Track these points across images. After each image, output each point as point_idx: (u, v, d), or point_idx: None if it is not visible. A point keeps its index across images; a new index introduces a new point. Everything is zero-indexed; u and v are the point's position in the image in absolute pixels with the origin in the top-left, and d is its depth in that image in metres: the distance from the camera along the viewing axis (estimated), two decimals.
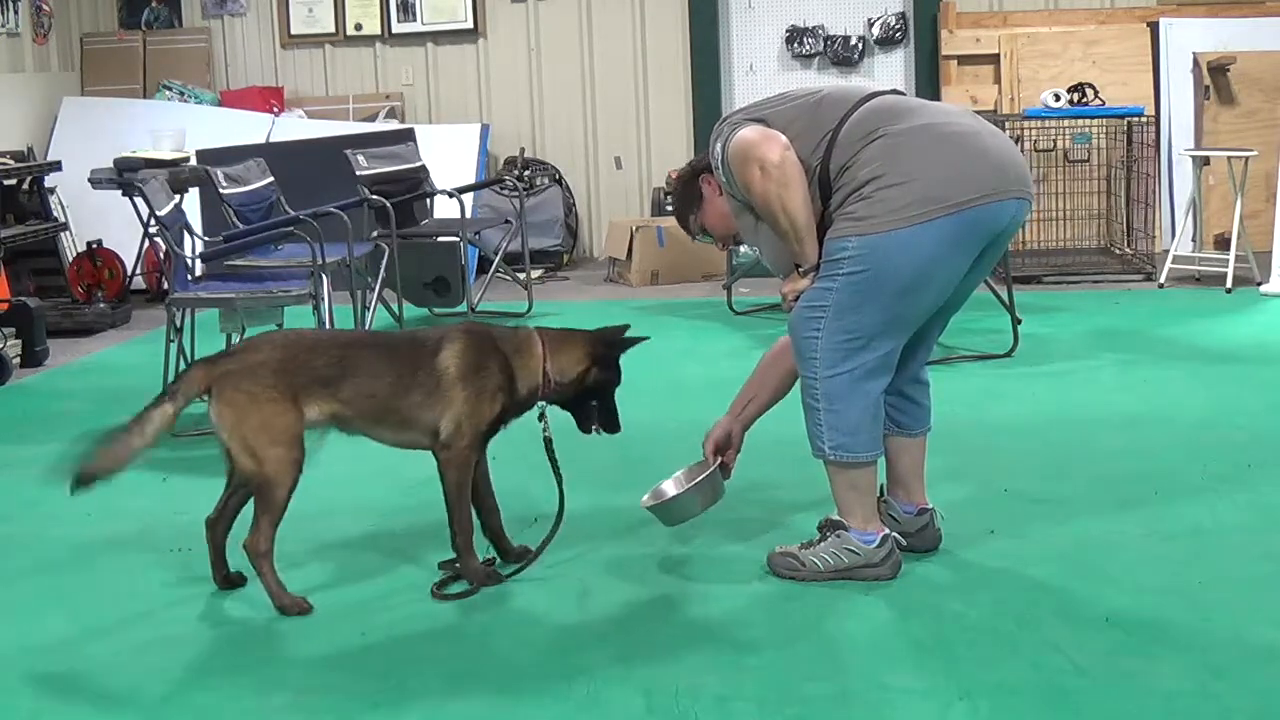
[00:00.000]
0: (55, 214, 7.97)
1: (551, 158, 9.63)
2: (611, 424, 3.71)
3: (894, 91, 3.57)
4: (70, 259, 8.18)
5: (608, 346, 3.66)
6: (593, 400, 3.68)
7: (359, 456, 4.88)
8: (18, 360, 6.57)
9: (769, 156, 3.35)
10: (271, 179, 6.40)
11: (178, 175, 7.07)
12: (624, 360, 3.70)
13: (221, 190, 6.04)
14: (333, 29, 9.75)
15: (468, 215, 7.45)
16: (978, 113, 4.00)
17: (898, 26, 9.34)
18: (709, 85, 9.48)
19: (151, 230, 6.20)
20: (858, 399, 3.43)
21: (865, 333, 3.39)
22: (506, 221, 7.79)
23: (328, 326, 5.48)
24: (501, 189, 8.56)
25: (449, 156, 8.62)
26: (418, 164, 7.54)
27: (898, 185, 3.31)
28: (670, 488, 3.81)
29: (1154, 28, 8.91)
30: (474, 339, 3.59)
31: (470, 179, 8.58)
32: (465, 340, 3.57)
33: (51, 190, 7.99)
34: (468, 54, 9.70)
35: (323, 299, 5.46)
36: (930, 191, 3.31)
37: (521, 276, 7.68)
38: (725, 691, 2.98)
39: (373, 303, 6.89)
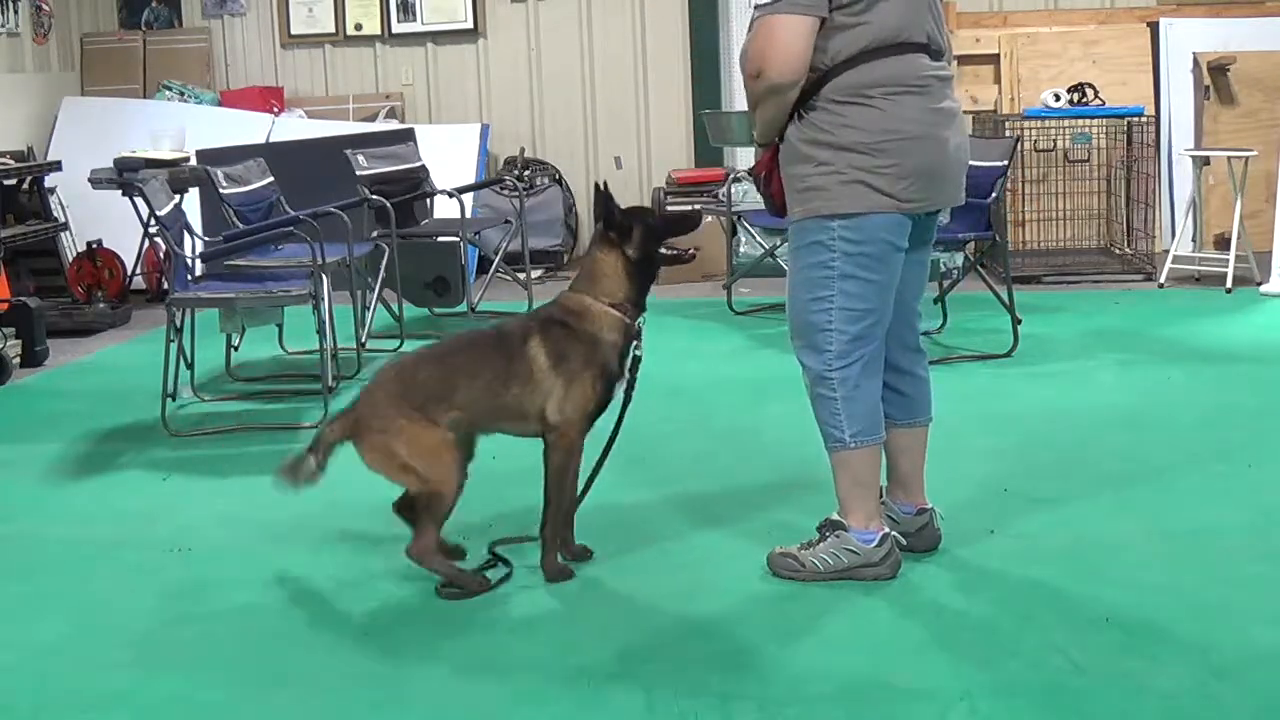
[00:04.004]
0: (55, 214, 7.96)
1: (551, 158, 9.63)
2: (684, 225, 3.70)
3: (925, 48, 3.45)
4: (70, 259, 8.18)
5: (608, 227, 3.63)
6: (661, 251, 3.66)
7: None
8: (18, 360, 6.57)
9: (775, 78, 3.34)
10: (271, 179, 6.40)
11: (178, 175, 7.08)
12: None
13: (221, 190, 6.04)
14: (333, 29, 9.75)
15: (468, 215, 7.45)
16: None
17: None
18: (709, 85, 9.47)
19: (151, 230, 6.20)
20: (868, 385, 3.49)
21: (869, 308, 3.43)
22: (506, 221, 7.79)
23: (328, 326, 5.49)
24: (501, 189, 8.55)
25: (449, 156, 8.62)
26: (418, 164, 7.54)
27: (872, 172, 3.36)
28: None
29: (1154, 28, 8.91)
30: (549, 327, 3.61)
31: (470, 179, 8.57)
32: (543, 332, 3.61)
33: (51, 190, 7.98)
34: (468, 54, 9.71)
35: (323, 299, 5.47)
36: (894, 188, 3.38)
37: (521, 276, 7.68)
38: (725, 691, 2.98)
39: (373, 303, 6.90)
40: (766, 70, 3.34)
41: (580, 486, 3.75)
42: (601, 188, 3.68)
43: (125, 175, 6.95)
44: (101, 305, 7.79)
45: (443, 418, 3.53)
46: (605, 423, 3.74)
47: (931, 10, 3.47)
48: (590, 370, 3.58)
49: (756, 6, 3.36)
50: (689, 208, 3.71)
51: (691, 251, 3.72)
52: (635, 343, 3.66)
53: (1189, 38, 8.83)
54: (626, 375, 3.68)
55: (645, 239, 3.62)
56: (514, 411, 3.59)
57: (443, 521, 3.56)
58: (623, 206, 3.66)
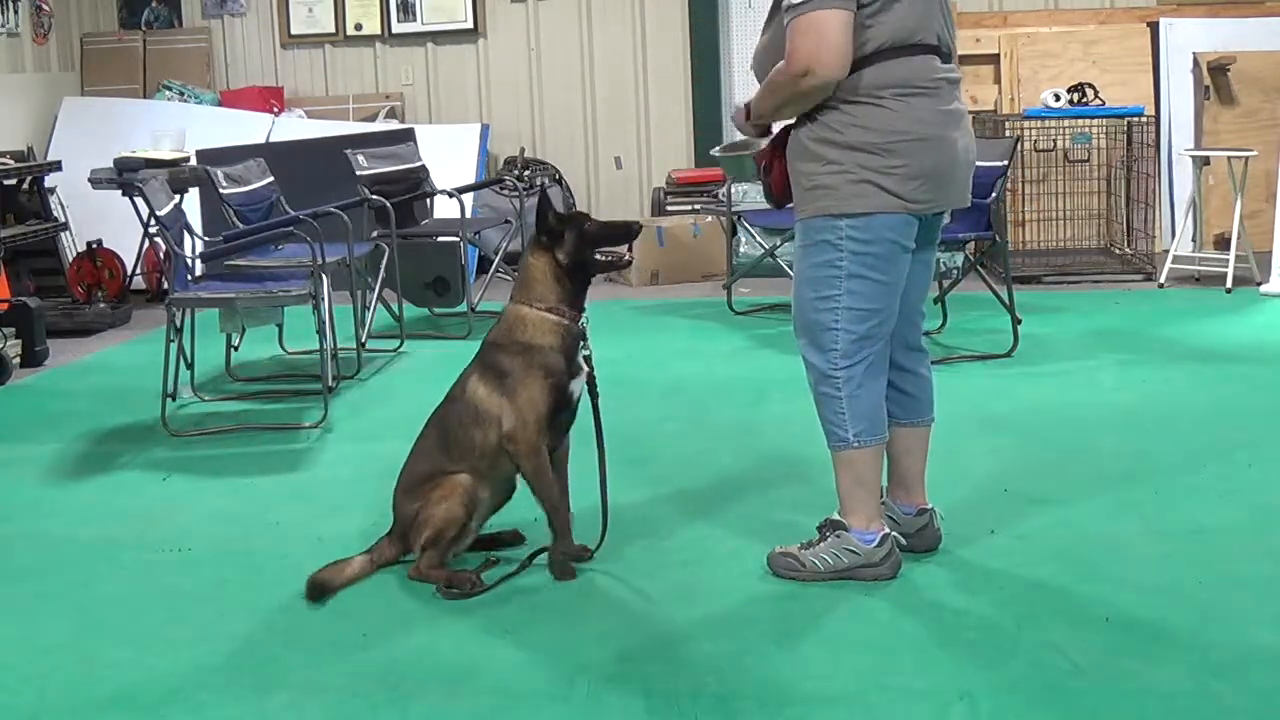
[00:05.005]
0: (55, 214, 7.96)
1: (551, 158, 9.63)
2: (620, 235, 3.71)
3: (936, 50, 3.45)
4: (70, 259, 8.18)
5: (540, 231, 3.65)
6: (595, 257, 3.67)
7: (362, 455, 4.89)
8: (18, 360, 6.57)
9: (827, 74, 3.32)
10: (271, 179, 6.40)
11: (178, 175, 7.08)
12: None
13: (221, 190, 6.04)
14: (333, 29, 9.75)
15: (468, 215, 7.45)
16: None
17: None
18: (709, 85, 9.48)
19: (151, 230, 6.20)
20: (872, 385, 3.49)
21: (876, 308, 3.44)
22: (506, 221, 7.79)
23: (328, 326, 5.48)
24: (501, 189, 8.56)
25: (449, 156, 8.62)
26: (418, 164, 7.54)
27: (881, 173, 3.36)
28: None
29: (1154, 28, 8.91)
30: (485, 357, 3.70)
31: (470, 179, 8.57)
32: (479, 368, 3.70)
33: (51, 190, 7.98)
34: (468, 54, 9.71)
35: (323, 299, 5.47)
36: (903, 189, 3.38)
37: None
38: (725, 691, 2.98)
39: (373, 303, 6.90)
40: (817, 68, 3.31)
41: (600, 496, 3.77)
42: (543, 193, 3.72)
43: (125, 175, 6.95)
44: (101, 305, 7.79)
45: (477, 490, 3.67)
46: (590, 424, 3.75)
47: (942, 12, 3.48)
48: (530, 375, 3.60)
49: (790, 7, 3.34)
50: (633, 220, 3.67)
51: (628, 258, 3.74)
52: (582, 343, 3.68)
53: (1189, 38, 8.83)
54: (584, 374, 3.68)
55: (578, 245, 3.64)
56: (494, 451, 3.64)
57: (448, 552, 3.65)
58: (564, 212, 3.70)
